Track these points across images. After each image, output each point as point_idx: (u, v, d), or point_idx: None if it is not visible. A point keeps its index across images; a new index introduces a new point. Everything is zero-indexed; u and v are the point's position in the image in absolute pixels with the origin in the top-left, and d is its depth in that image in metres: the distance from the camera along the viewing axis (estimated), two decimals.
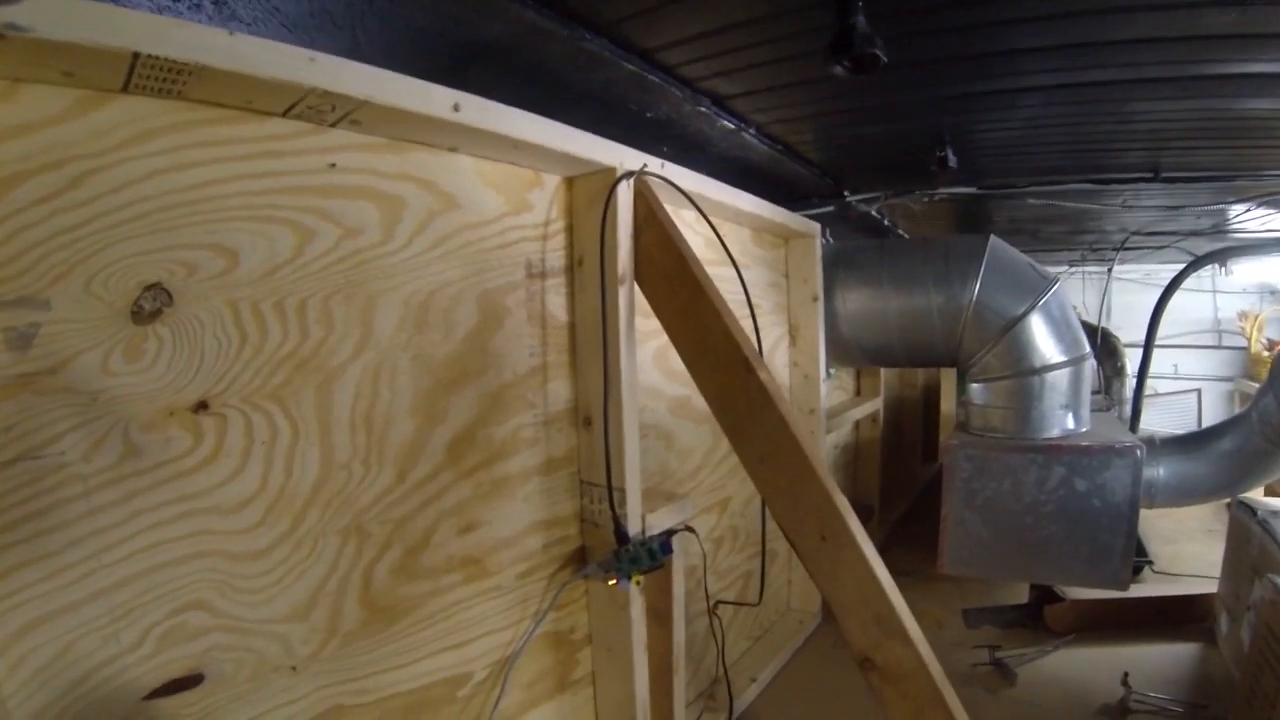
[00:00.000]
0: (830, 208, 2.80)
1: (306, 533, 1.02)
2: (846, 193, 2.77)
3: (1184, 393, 7.18)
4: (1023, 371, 2.54)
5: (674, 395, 1.78)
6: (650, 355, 1.68)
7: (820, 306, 2.47)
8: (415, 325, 1.16)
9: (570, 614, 1.47)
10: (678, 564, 1.48)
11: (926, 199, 2.80)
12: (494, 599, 1.29)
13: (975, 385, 2.67)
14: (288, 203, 1.00)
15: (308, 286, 1.02)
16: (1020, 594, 2.86)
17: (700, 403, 1.89)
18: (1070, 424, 2.59)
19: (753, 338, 1.32)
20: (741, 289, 1.51)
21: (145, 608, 0.87)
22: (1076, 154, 2.45)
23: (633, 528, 1.38)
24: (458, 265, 1.22)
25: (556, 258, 1.41)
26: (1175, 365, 7.24)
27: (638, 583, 1.35)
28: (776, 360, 2.33)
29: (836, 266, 2.66)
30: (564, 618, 1.45)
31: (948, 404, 5.14)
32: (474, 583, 1.26)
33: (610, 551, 1.34)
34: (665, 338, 1.71)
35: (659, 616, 1.53)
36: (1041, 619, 2.68)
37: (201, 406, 0.91)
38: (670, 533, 1.37)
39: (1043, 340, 2.55)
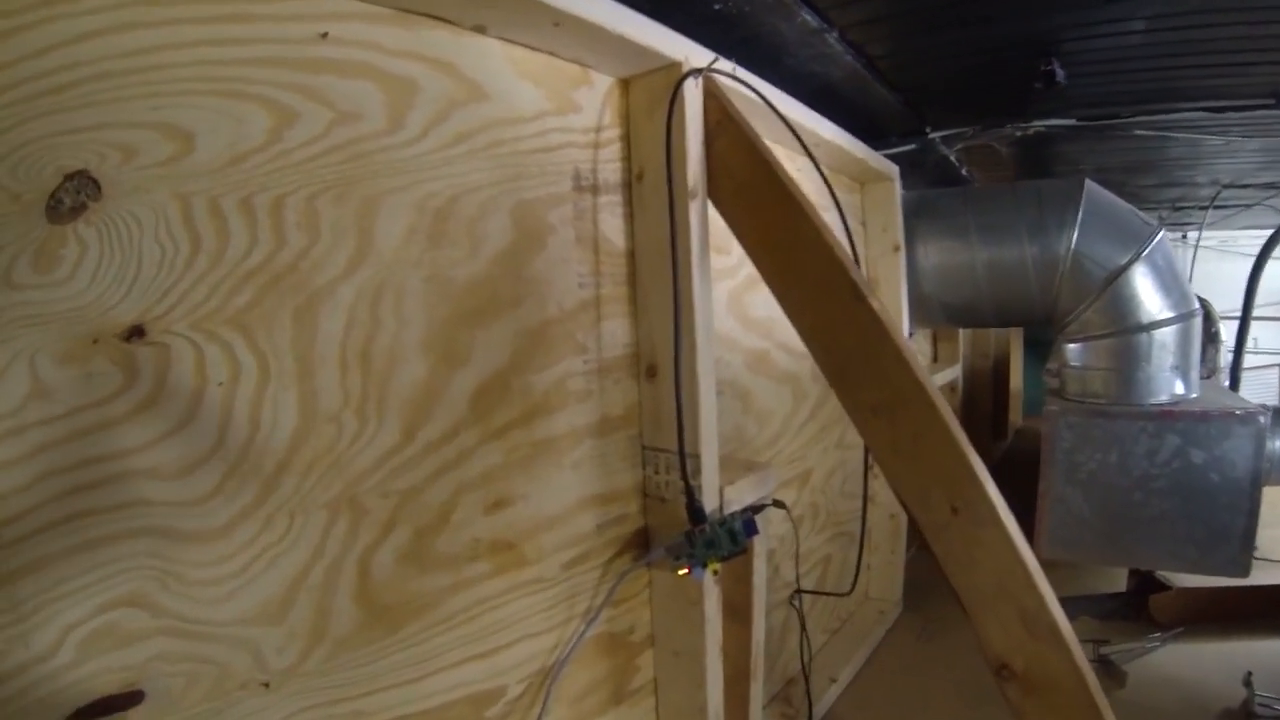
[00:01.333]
0: (911, 145, 2.48)
1: (281, 506, 0.76)
2: (929, 128, 2.46)
3: (1265, 368, 6.76)
4: (1128, 328, 2.25)
5: (751, 348, 1.51)
6: (723, 299, 1.42)
7: (902, 257, 2.20)
8: (430, 238, 0.90)
9: (629, 610, 1.21)
10: (760, 548, 1.22)
11: (1020, 132, 2.48)
12: (533, 594, 1.04)
13: (1072, 346, 2.38)
14: (263, 76, 0.75)
15: (287, 180, 0.76)
16: (1116, 581, 2.57)
17: (780, 358, 1.63)
18: (1180, 389, 2.31)
19: None
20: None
21: (60, 602, 0.62)
22: (1193, 72, 2.14)
23: (709, 503, 1.12)
24: (486, 167, 0.96)
25: (611, 170, 1.15)
26: (1255, 339, 6.79)
27: (714, 572, 1.09)
28: None
29: (916, 216, 2.39)
30: (621, 615, 1.19)
31: (1016, 379, 4.84)
32: (507, 574, 1.00)
33: (681, 533, 1.08)
34: (739, 278, 1.46)
35: (736, 612, 1.28)
36: (1143, 609, 2.38)
37: (136, 333, 0.66)
38: (754, 509, 1.10)
39: (1148, 294, 2.27)
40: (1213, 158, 3.15)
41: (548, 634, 1.06)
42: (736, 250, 1.44)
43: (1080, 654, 0.93)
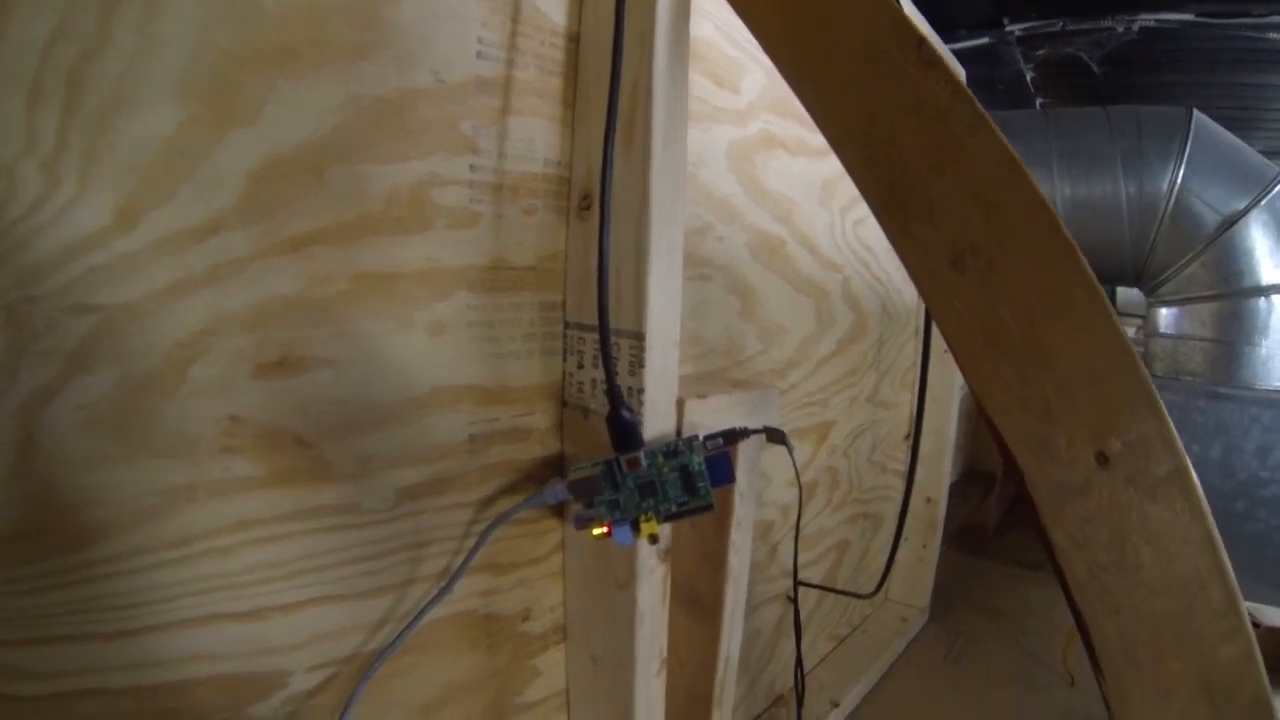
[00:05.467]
0: (983, 39, 2.00)
1: None
2: (1007, 20, 1.96)
3: None
4: (1243, 290, 1.79)
5: (760, 228, 1.04)
6: (723, 148, 0.95)
7: None
8: None
9: (523, 583, 0.76)
10: (743, 505, 0.78)
11: (1122, 28, 1.99)
12: (339, 530, 0.60)
13: (1166, 310, 1.92)
14: None
15: None
16: None
17: (803, 259, 1.16)
18: None
19: None
20: None
21: None
22: None
23: (654, 423, 0.68)
24: None
25: None
26: None
27: (652, 537, 0.65)
28: None
29: None
30: (508, 590, 0.75)
31: None
32: (291, 487, 0.56)
33: (595, 464, 0.64)
34: (749, 130, 1.00)
35: (699, 605, 0.84)
36: None
37: None
38: (730, 436, 0.66)
39: (1267, 250, 1.80)
40: None
41: (366, 600, 0.62)
42: (749, 91, 1.00)
43: None
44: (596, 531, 0.63)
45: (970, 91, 0.54)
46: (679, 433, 0.71)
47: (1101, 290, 0.50)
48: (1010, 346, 0.52)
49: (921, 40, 0.55)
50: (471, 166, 0.66)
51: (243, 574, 0.54)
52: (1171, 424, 0.48)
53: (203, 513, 0.52)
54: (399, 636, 0.63)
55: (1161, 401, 0.49)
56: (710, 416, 0.73)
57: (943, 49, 1.55)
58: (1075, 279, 0.50)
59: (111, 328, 0.46)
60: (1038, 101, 2.56)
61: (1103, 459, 0.49)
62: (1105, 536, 0.49)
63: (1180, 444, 0.48)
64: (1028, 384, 0.51)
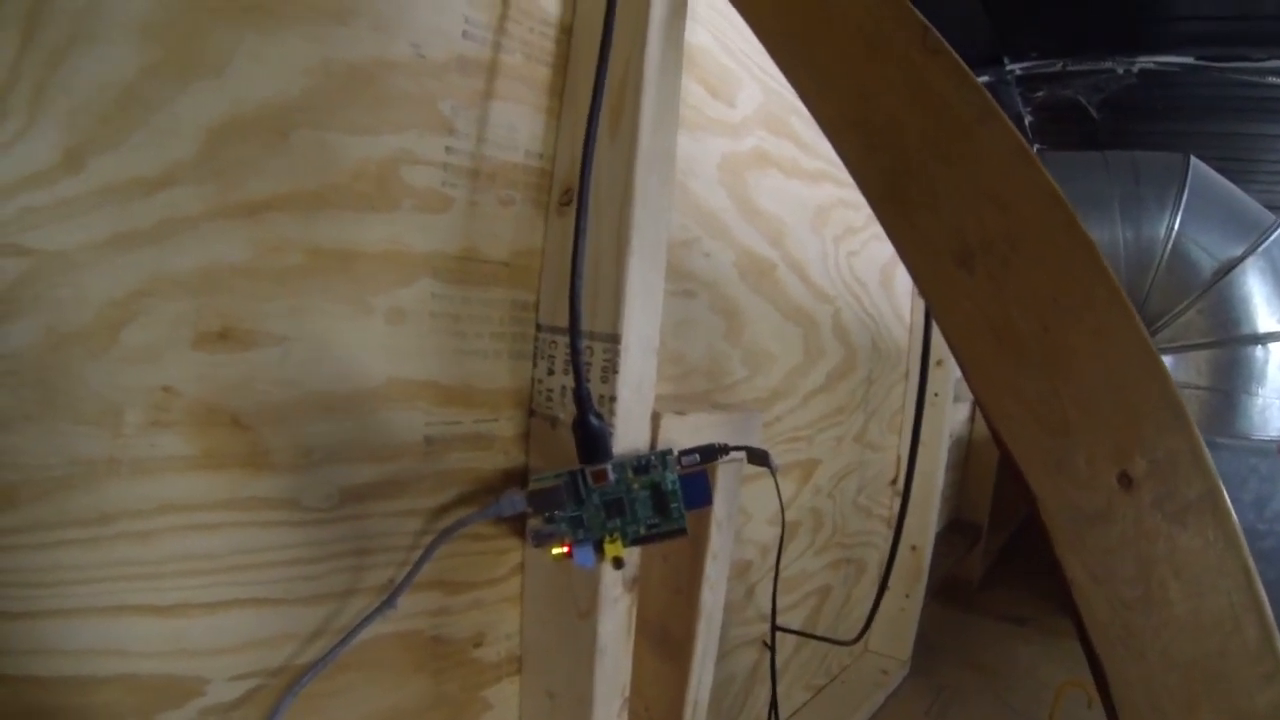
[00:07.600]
0: (984, 78, 1.99)
1: None
2: (1007, 58, 1.94)
3: None
4: (1238, 338, 1.76)
5: (749, 248, 0.98)
6: (714, 161, 0.90)
7: None
8: None
9: (477, 606, 0.69)
10: (720, 535, 0.72)
11: (1122, 70, 1.98)
12: (274, 526, 0.53)
13: (1162, 358, 1.87)
14: None
15: None
16: None
17: (793, 285, 1.10)
18: None
19: None
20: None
21: None
22: None
23: (626, 433, 0.62)
24: None
25: None
26: None
27: (617, 560, 0.58)
28: (897, 287, 1.53)
29: None
30: (461, 612, 0.68)
31: None
32: (224, 472, 0.50)
33: (560, 475, 0.58)
34: (743, 145, 0.96)
35: (668, 642, 0.78)
36: None
37: None
38: (712, 453, 0.60)
39: (1264, 298, 1.77)
40: None
41: (301, 608, 0.56)
42: (744, 105, 0.96)
43: None
44: (556, 551, 0.57)
45: (978, 80, 0.50)
46: (654, 445, 0.65)
47: (1122, 291, 0.45)
48: (1024, 352, 0.46)
49: (926, 27, 0.50)
50: (447, 148, 0.61)
51: (163, 563, 0.48)
52: (1202, 440, 0.43)
53: (123, 490, 0.46)
54: (333, 651, 0.57)
55: (1188, 416, 0.44)
56: (688, 435, 0.68)
57: None
58: (1095, 278, 0.45)
59: (43, 275, 0.41)
60: (1035, 147, 2.55)
61: (1126, 480, 0.44)
62: (1130, 569, 0.44)
63: (1212, 463, 0.43)
64: (1043, 394, 0.46)
